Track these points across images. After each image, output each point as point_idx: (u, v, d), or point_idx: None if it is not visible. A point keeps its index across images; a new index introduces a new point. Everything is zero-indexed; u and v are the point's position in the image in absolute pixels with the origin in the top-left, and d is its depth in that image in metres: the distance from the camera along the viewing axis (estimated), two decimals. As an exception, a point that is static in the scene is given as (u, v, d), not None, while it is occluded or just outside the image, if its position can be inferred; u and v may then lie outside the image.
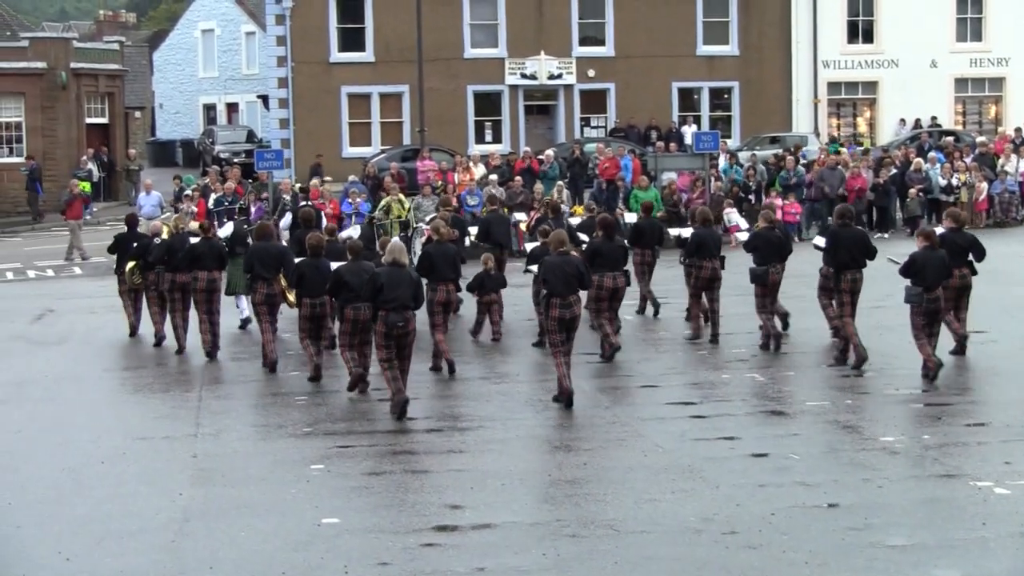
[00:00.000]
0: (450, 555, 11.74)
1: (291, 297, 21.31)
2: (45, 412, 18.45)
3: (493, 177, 36.41)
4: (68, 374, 21.35)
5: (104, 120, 55.39)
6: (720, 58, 56.04)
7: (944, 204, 37.84)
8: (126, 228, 25.29)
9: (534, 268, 20.16)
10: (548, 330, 17.92)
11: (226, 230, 25.73)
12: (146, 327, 24.10)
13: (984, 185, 38.90)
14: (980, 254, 20.05)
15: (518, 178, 36.63)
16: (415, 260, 21.45)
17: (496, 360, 20.97)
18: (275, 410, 17.87)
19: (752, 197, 38.43)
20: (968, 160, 40.28)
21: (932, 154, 40.98)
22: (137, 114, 74.94)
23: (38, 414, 18.32)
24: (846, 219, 20.42)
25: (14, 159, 51.11)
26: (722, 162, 40.64)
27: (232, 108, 71.59)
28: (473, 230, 26.76)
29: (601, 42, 55.49)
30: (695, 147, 39.93)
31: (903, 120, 56.18)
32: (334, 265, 19.12)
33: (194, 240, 22.27)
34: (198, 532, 12.49)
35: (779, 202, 37.10)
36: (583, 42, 55.36)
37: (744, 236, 22.96)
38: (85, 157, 50.04)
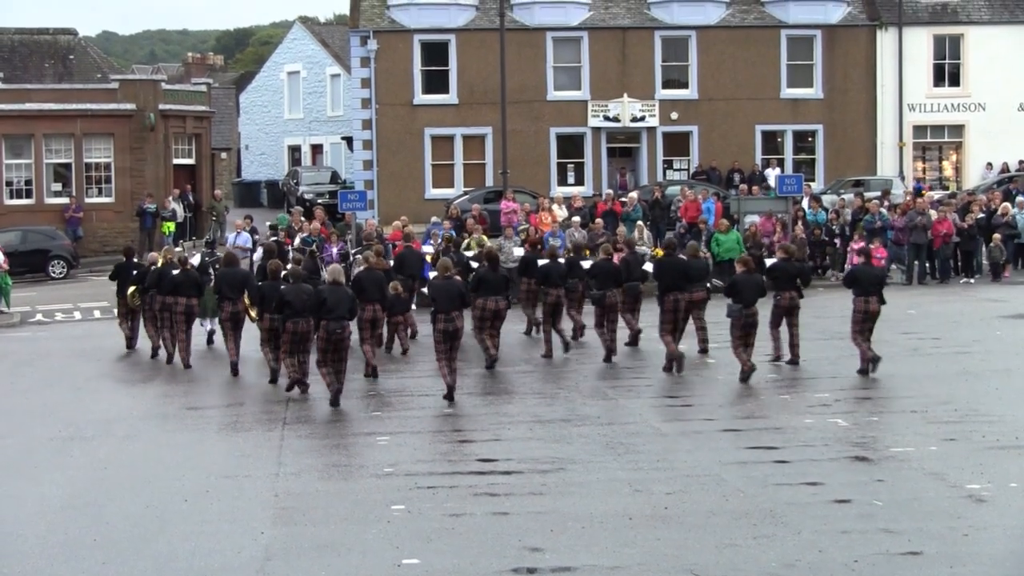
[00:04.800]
0: (530, 598, 11.73)
1: (253, 313, 24.89)
2: (130, 449, 18.64)
3: (576, 219, 36.44)
4: (153, 412, 21.58)
5: (191, 161, 56.06)
6: (804, 101, 55.83)
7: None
8: (124, 259, 29.32)
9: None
10: (434, 340, 21.66)
11: (195, 260, 29.38)
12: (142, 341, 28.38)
13: (1072, 229, 38.51)
14: (806, 280, 24.45)
15: (599, 220, 36.63)
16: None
17: (577, 403, 20.95)
18: (356, 450, 17.95)
19: (837, 241, 38.23)
20: (1056, 204, 39.85)
21: (1020, 198, 40.55)
22: (223, 155, 75.82)
23: (123, 451, 18.51)
24: (671, 249, 24.73)
25: (103, 199, 51.81)
26: (806, 204, 40.46)
27: (317, 149, 72.19)
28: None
29: (684, 85, 55.49)
30: (778, 190, 39.79)
31: (990, 164, 55.66)
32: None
33: (174, 272, 26.41)
34: (279, 571, 12.55)
35: (859, 246, 36.85)
36: (666, 85, 55.36)
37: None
38: (170, 198, 50.62)
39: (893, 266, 37.92)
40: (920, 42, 55.95)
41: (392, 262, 28.81)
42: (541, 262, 26.99)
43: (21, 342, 31.52)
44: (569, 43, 54.94)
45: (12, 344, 31.19)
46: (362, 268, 24.99)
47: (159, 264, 27.46)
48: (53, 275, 45.98)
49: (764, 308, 23.24)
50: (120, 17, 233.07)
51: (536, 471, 16.29)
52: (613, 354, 24.77)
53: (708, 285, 25.58)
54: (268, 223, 37.21)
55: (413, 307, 29.03)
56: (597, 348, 25.46)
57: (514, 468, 16.48)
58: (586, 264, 26.55)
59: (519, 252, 31.20)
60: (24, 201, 51.08)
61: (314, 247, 31.38)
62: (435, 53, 54.45)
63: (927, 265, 37.65)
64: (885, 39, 55.78)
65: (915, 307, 32.11)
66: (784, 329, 23.86)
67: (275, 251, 27.71)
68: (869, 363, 22.36)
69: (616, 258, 25.97)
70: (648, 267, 26.71)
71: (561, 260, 26.61)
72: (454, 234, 33.05)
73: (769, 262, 25.37)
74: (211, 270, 29.28)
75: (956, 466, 16.09)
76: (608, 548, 12.98)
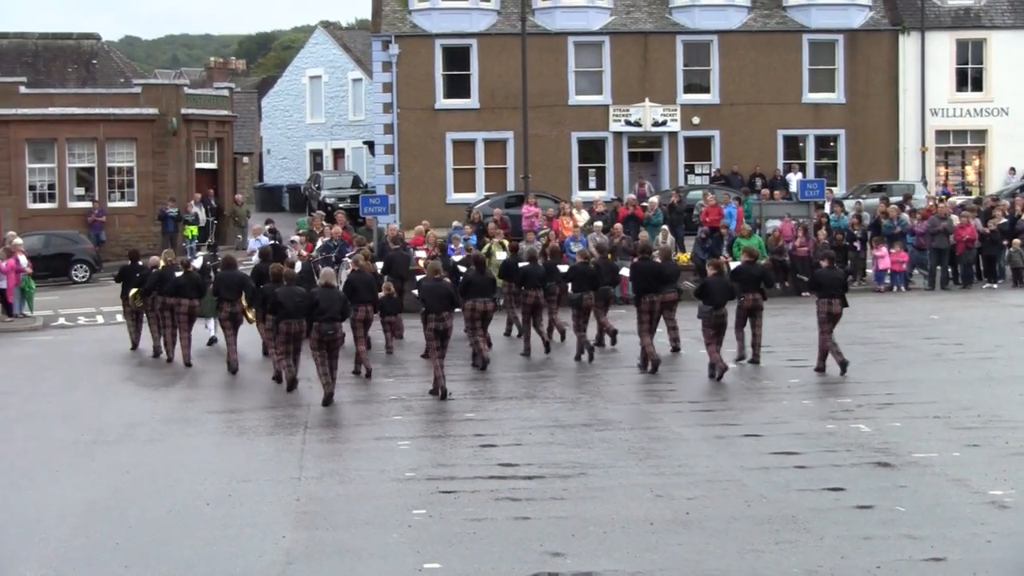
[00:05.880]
0: (551, 603, 11.72)
1: (250, 315, 26.86)
2: (152, 453, 18.68)
3: (598, 224, 36.39)
4: (175, 416, 21.62)
5: (213, 165, 56.13)
6: (826, 106, 55.76)
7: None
8: (129, 261, 30.42)
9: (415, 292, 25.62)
10: (426, 338, 23.05)
11: (197, 263, 30.43)
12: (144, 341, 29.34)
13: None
14: (769, 283, 25.73)
15: (618, 225, 36.55)
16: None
17: (598, 408, 20.93)
18: (377, 454, 17.94)
19: (857, 245, 38.14)
20: (1079, 209, 39.65)
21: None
22: (245, 159, 75.94)
23: (145, 455, 18.55)
24: (645, 253, 25.38)
25: (126, 203, 51.95)
26: (828, 208, 40.35)
27: (338, 154, 72.28)
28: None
29: (706, 89, 55.47)
30: (800, 195, 39.71)
31: (1013, 169, 55.46)
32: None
33: (177, 274, 27.33)
34: (301, 575, 12.55)
35: (881, 251, 36.80)
36: (688, 89, 55.36)
37: None
38: (192, 202, 50.73)
39: (915, 271, 37.83)
40: (943, 46, 55.86)
41: (381, 264, 29.72)
42: (521, 265, 27.72)
43: (44, 346, 31.60)
44: (591, 48, 54.97)
45: (35, 348, 31.28)
46: (352, 270, 26.12)
47: (160, 266, 28.48)
48: (76, 279, 46.09)
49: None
50: (143, 22, 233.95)
51: (558, 476, 16.28)
52: (592, 351, 25.71)
53: (680, 287, 26.80)
54: (268, 226, 37.27)
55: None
56: (619, 354, 25.49)
57: (535, 473, 16.48)
58: (563, 268, 27.73)
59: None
60: (47, 205, 51.23)
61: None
62: (457, 57, 54.53)
63: (949, 270, 37.54)
64: (907, 43, 55.68)
65: (937, 312, 32.04)
66: (748, 329, 24.78)
67: (271, 255, 28.76)
68: (824, 361, 23.37)
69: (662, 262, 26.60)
70: (624, 272, 27.96)
71: (540, 263, 27.41)
72: (457, 235, 33.45)
73: (733, 265, 25.92)
74: (212, 272, 29.83)
75: (979, 472, 16.03)
76: (629, 553, 12.97)
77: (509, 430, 19.19)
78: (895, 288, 36.66)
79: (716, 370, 22.97)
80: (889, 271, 36.89)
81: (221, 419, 21.27)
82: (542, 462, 17.05)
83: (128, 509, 15.35)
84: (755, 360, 24.47)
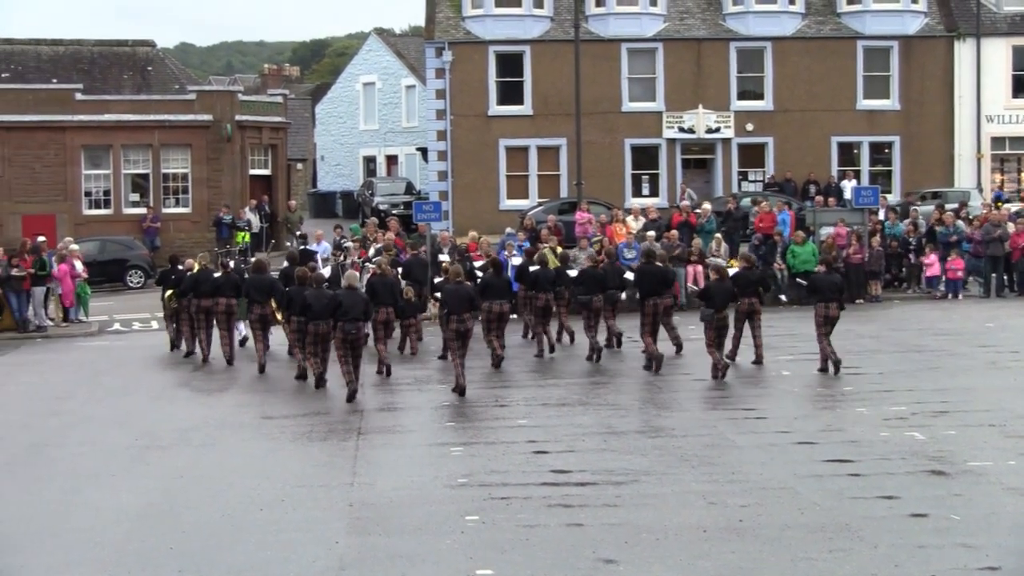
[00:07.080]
0: (604, 610, 11.69)
1: (279, 316, 28.14)
2: (206, 458, 18.78)
3: (651, 233, 36.35)
4: (229, 421, 21.72)
5: (267, 171, 56.44)
6: (881, 112, 55.46)
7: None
8: (169, 266, 31.28)
9: (438, 295, 26.66)
10: (447, 339, 23.95)
11: (231, 264, 31.43)
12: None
13: None
14: (767, 287, 27.08)
15: (674, 231, 36.52)
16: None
17: (651, 414, 20.90)
18: (430, 460, 17.96)
19: (912, 254, 37.93)
20: None
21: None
22: (299, 166, 76.27)
23: (200, 460, 18.65)
24: (650, 258, 26.31)
25: (180, 209, 52.33)
26: (882, 215, 40.15)
27: (392, 160, 72.46)
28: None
29: (760, 96, 55.28)
30: (855, 202, 39.54)
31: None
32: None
33: (216, 275, 28.58)
34: (354, 580, 12.60)
35: (931, 259, 36.59)
36: (742, 96, 55.18)
37: None
38: (246, 208, 51.00)
39: (970, 278, 37.60)
40: (999, 53, 55.46)
41: (400, 269, 30.35)
42: (532, 269, 28.92)
43: (99, 351, 31.86)
44: (644, 54, 54.89)
45: (90, 353, 31.54)
46: (373, 274, 27.50)
47: (195, 269, 29.39)
48: (131, 285, 46.48)
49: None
50: (198, 28, 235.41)
51: (610, 483, 16.25)
52: (598, 353, 26.64)
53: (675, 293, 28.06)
54: (297, 232, 37.56)
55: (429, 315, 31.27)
56: (680, 359, 25.47)
57: (588, 479, 16.46)
58: (572, 272, 29.25)
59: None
60: (103, 211, 51.70)
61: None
62: (510, 64, 54.58)
63: (1005, 278, 37.28)
64: (963, 50, 55.32)
65: (993, 320, 31.81)
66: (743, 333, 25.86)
67: (296, 258, 30.17)
68: (827, 363, 24.27)
69: (692, 268, 26.84)
70: (629, 276, 28.76)
71: (550, 267, 28.68)
72: (511, 241, 33.73)
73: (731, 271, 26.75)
74: (244, 276, 30.09)
75: (1035, 481, 15.91)
76: (682, 561, 12.94)
77: (562, 437, 19.17)
78: (950, 296, 36.45)
79: (718, 370, 23.89)
80: (943, 278, 36.68)
81: (274, 424, 21.35)
82: (595, 469, 17.03)
83: (182, 514, 15.43)
84: (758, 361, 25.44)
